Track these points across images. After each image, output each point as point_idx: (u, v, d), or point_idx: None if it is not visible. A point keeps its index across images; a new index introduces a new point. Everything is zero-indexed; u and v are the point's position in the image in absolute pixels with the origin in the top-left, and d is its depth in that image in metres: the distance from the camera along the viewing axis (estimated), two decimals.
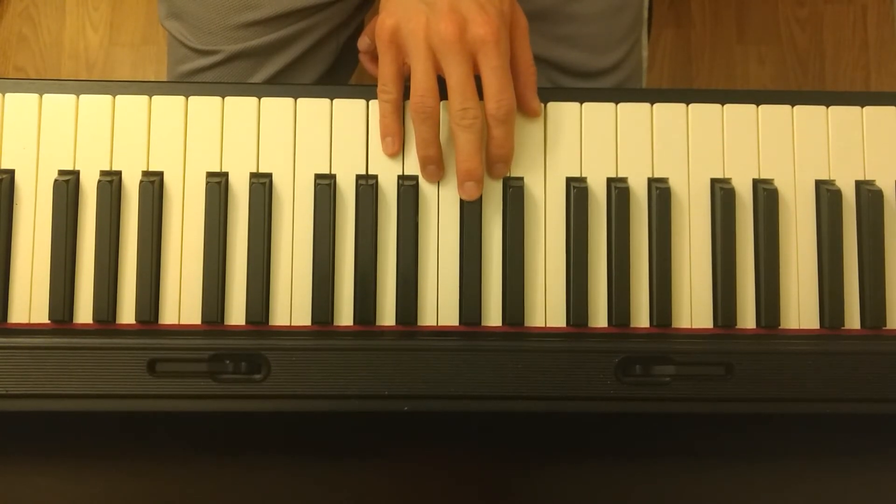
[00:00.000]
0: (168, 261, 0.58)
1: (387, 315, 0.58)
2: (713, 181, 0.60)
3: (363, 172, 0.59)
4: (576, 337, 0.58)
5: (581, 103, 0.60)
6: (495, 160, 0.58)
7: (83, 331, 0.57)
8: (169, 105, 0.60)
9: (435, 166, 0.58)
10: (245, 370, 0.55)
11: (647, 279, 0.59)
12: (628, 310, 0.58)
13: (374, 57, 0.61)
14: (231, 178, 0.59)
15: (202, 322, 0.58)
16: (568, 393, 0.55)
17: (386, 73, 0.58)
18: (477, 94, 0.56)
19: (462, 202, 0.58)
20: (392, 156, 0.59)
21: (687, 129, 0.60)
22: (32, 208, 0.58)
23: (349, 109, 0.60)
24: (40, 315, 0.58)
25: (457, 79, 0.56)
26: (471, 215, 0.58)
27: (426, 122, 0.57)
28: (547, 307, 0.59)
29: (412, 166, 0.60)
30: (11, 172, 0.59)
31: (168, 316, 0.58)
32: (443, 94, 0.57)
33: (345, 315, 0.58)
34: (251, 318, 0.57)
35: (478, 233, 0.58)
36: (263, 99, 0.59)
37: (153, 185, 0.58)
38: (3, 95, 0.59)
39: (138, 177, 0.59)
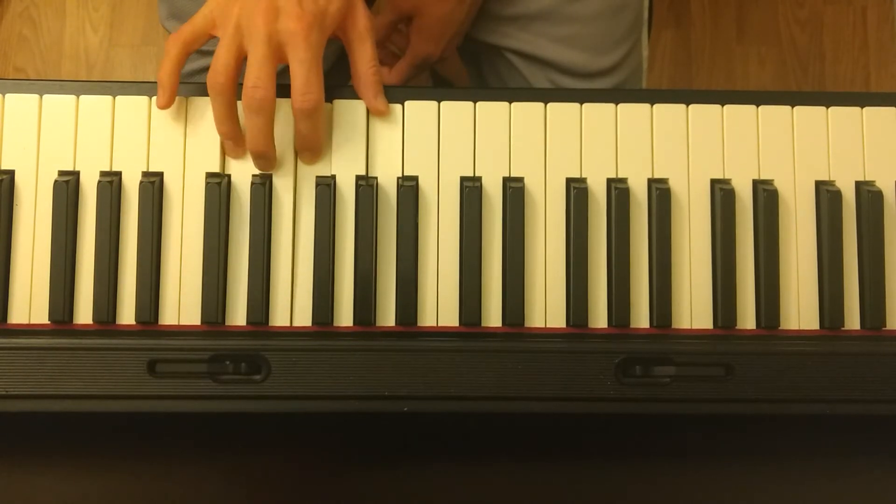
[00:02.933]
0: (168, 261, 0.58)
1: (387, 316, 0.58)
2: (713, 182, 0.60)
3: (363, 173, 0.59)
4: (576, 337, 0.58)
5: (581, 104, 0.60)
6: (301, 150, 0.59)
7: (83, 331, 0.57)
8: None
9: (232, 142, 0.59)
10: (245, 371, 0.55)
11: (647, 280, 0.59)
12: (628, 310, 0.58)
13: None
14: (231, 178, 0.59)
15: (202, 322, 0.58)
16: (568, 394, 0.55)
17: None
18: (272, 79, 0.56)
19: (462, 203, 0.58)
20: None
21: (687, 129, 0.60)
22: (32, 209, 0.58)
23: (349, 110, 0.60)
24: (40, 316, 0.58)
25: (252, 59, 0.56)
26: (470, 215, 0.58)
27: (217, 98, 0.57)
28: (547, 308, 0.59)
29: (412, 167, 0.60)
30: (11, 173, 0.59)
31: (168, 316, 0.58)
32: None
33: (345, 315, 0.58)
34: (251, 319, 0.57)
35: (478, 233, 0.58)
36: None
37: (153, 185, 0.58)
38: (4, 96, 0.59)
39: (138, 177, 0.59)
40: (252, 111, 0.56)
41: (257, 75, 0.55)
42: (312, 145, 0.58)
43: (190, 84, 0.61)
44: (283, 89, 0.58)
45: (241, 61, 0.57)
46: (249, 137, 0.57)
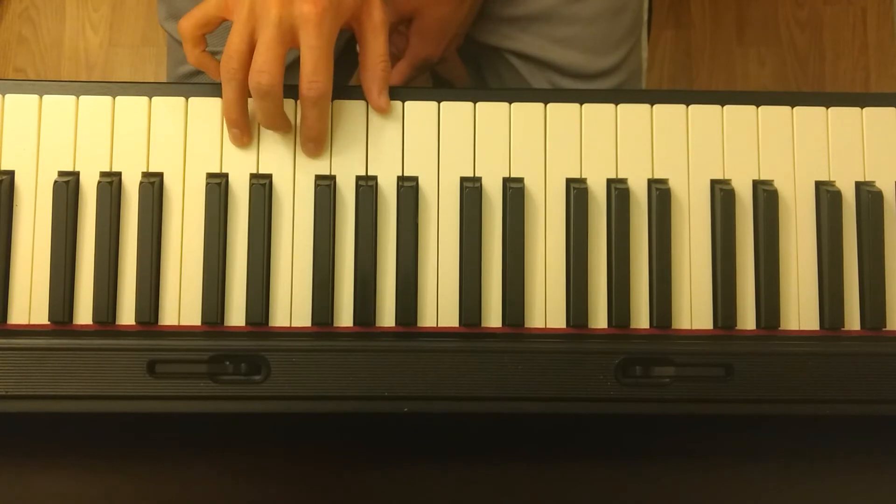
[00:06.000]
0: (168, 262, 0.58)
1: (386, 316, 0.58)
2: (713, 182, 0.60)
3: (363, 173, 0.59)
4: (576, 338, 0.58)
5: (581, 104, 0.60)
6: (305, 140, 0.59)
7: (83, 332, 0.57)
8: (169, 106, 0.60)
9: (238, 130, 0.59)
10: (245, 371, 0.55)
11: (647, 280, 0.59)
12: (628, 311, 0.58)
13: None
14: (231, 178, 0.59)
15: (202, 323, 0.58)
16: (568, 394, 0.55)
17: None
18: (280, 63, 0.56)
19: (462, 203, 0.58)
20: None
21: (687, 130, 0.60)
22: (32, 209, 0.58)
23: (350, 110, 0.60)
24: (40, 316, 0.58)
25: (260, 43, 0.55)
26: (470, 216, 0.58)
27: (229, 84, 0.57)
28: (547, 308, 0.59)
29: (412, 167, 0.60)
30: (11, 173, 0.59)
31: (168, 317, 0.58)
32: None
33: (345, 316, 0.58)
34: (251, 319, 0.57)
35: (478, 233, 0.58)
36: None
37: (153, 185, 0.58)
38: (4, 97, 0.59)
39: (138, 178, 0.59)
40: (259, 96, 0.56)
41: (264, 59, 0.55)
42: (317, 135, 0.58)
43: (190, 85, 0.61)
44: (288, 90, 0.58)
45: (254, 46, 0.56)
46: (262, 118, 0.58)
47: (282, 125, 0.59)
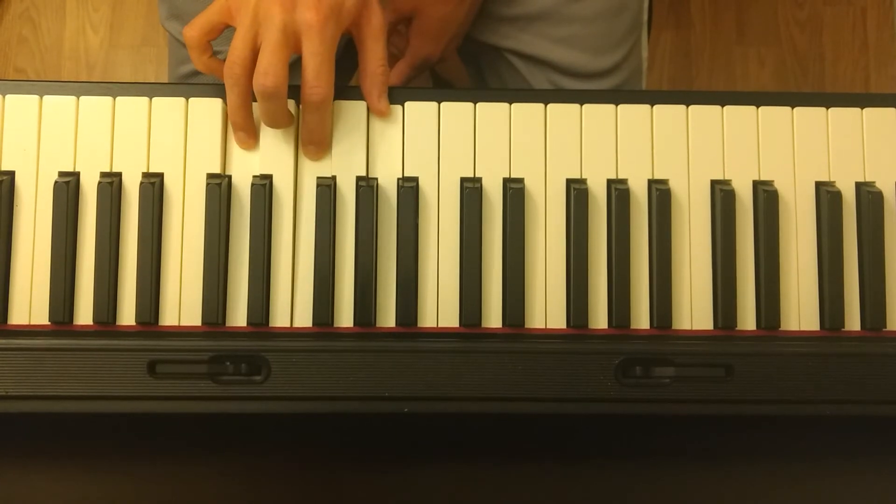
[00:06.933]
0: (168, 262, 0.58)
1: (387, 316, 0.58)
2: (713, 183, 0.60)
3: (363, 174, 0.59)
4: (576, 338, 0.58)
5: (581, 105, 0.60)
6: (306, 143, 0.59)
7: (83, 332, 0.57)
8: (169, 106, 0.60)
9: (244, 133, 0.59)
10: (245, 371, 0.55)
11: (648, 281, 0.59)
12: (628, 311, 0.58)
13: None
14: (232, 179, 0.59)
15: (202, 323, 0.58)
16: (568, 394, 0.55)
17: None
18: (284, 66, 0.56)
19: (462, 204, 0.58)
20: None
21: (687, 130, 0.60)
22: (33, 210, 0.58)
23: (350, 111, 0.60)
24: (40, 317, 0.58)
25: (265, 46, 0.56)
26: (471, 216, 0.58)
27: (233, 89, 0.57)
28: (547, 308, 0.59)
29: (412, 168, 0.60)
30: (12, 174, 0.59)
31: (168, 317, 0.58)
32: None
33: (345, 316, 0.58)
34: (252, 320, 0.57)
35: (478, 234, 0.58)
36: None
37: (153, 186, 0.58)
38: (4, 97, 0.59)
39: (139, 178, 0.59)
40: (263, 98, 0.57)
41: (269, 61, 0.56)
42: (318, 139, 0.59)
43: (190, 85, 0.61)
44: (289, 90, 0.58)
45: (257, 52, 0.57)
46: (266, 119, 0.59)
47: (285, 123, 0.59)
